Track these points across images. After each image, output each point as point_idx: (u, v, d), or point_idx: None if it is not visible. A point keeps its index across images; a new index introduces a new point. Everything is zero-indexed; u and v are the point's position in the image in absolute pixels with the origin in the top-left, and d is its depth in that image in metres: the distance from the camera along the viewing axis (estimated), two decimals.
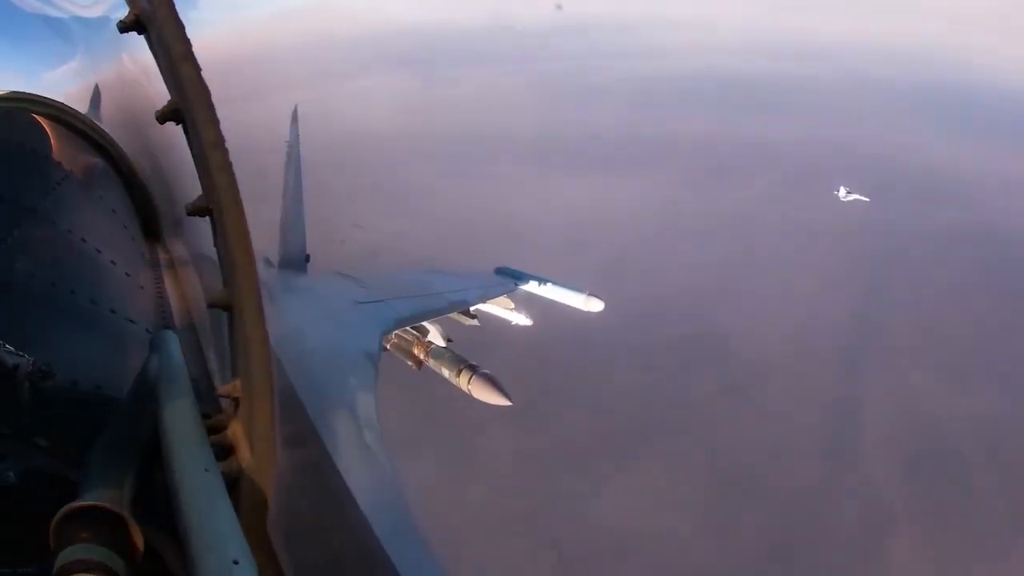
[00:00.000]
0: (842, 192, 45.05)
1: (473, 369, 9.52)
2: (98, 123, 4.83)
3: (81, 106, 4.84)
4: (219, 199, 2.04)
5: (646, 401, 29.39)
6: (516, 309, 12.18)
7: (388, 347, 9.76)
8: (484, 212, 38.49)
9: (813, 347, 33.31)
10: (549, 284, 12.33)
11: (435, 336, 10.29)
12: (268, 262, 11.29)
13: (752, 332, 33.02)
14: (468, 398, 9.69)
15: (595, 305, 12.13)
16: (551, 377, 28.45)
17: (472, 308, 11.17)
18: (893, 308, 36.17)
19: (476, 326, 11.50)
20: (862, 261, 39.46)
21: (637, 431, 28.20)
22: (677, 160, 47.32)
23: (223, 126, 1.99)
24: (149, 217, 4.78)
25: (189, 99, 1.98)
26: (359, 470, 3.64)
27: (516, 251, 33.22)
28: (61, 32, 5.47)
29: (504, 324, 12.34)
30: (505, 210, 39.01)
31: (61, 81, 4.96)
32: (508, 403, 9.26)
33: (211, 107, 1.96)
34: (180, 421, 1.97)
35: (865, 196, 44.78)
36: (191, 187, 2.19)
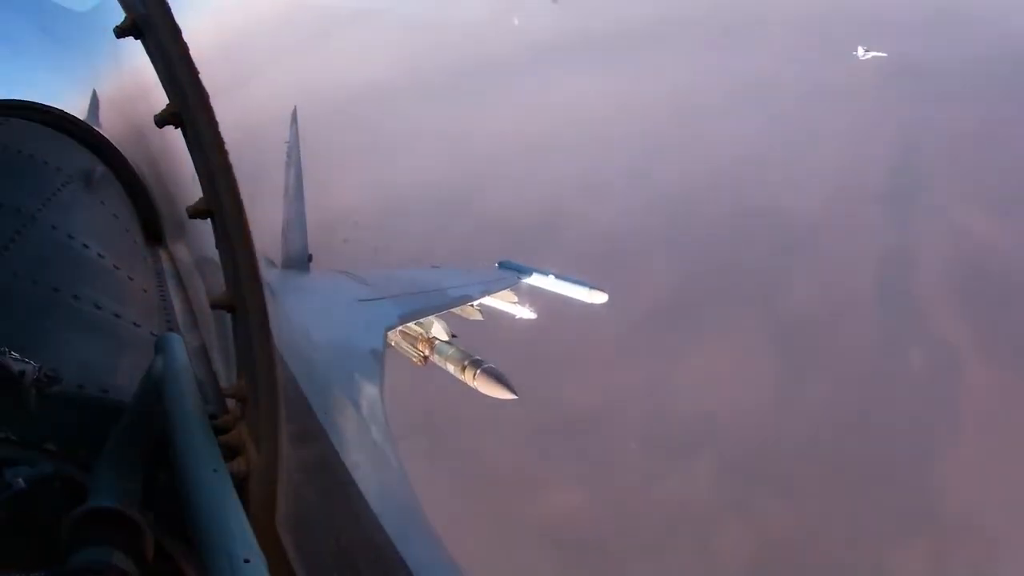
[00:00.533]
0: (860, 52, 43.65)
1: (478, 364, 9.53)
2: (98, 128, 4.83)
3: (80, 112, 4.85)
4: (220, 201, 2.05)
5: (706, 276, 29.39)
6: (519, 302, 12.18)
7: (392, 344, 9.77)
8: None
9: (858, 201, 32.86)
10: (551, 277, 12.32)
11: (439, 332, 10.29)
12: (270, 262, 11.30)
13: (795, 198, 32.38)
14: None
15: (598, 297, 12.14)
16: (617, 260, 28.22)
17: (475, 303, 11.17)
18: (930, 154, 35.47)
19: (480, 320, 11.51)
20: (891, 115, 38.38)
21: (702, 304, 28.36)
22: (684, 34, 45.16)
23: (222, 127, 2.00)
24: (151, 220, 4.79)
25: (188, 102, 1.98)
26: (367, 467, 3.65)
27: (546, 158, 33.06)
28: (58, 39, 5.48)
29: (508, 318, 12.35)
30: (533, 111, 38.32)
31: (60, 88, 4.97)
32: (514, 397, 9.27)
33: (210, 109, 1.97)
34: (187, 423, 1.98)
35: (883, 52, 43.43)
36: (192, 189, 2.20)
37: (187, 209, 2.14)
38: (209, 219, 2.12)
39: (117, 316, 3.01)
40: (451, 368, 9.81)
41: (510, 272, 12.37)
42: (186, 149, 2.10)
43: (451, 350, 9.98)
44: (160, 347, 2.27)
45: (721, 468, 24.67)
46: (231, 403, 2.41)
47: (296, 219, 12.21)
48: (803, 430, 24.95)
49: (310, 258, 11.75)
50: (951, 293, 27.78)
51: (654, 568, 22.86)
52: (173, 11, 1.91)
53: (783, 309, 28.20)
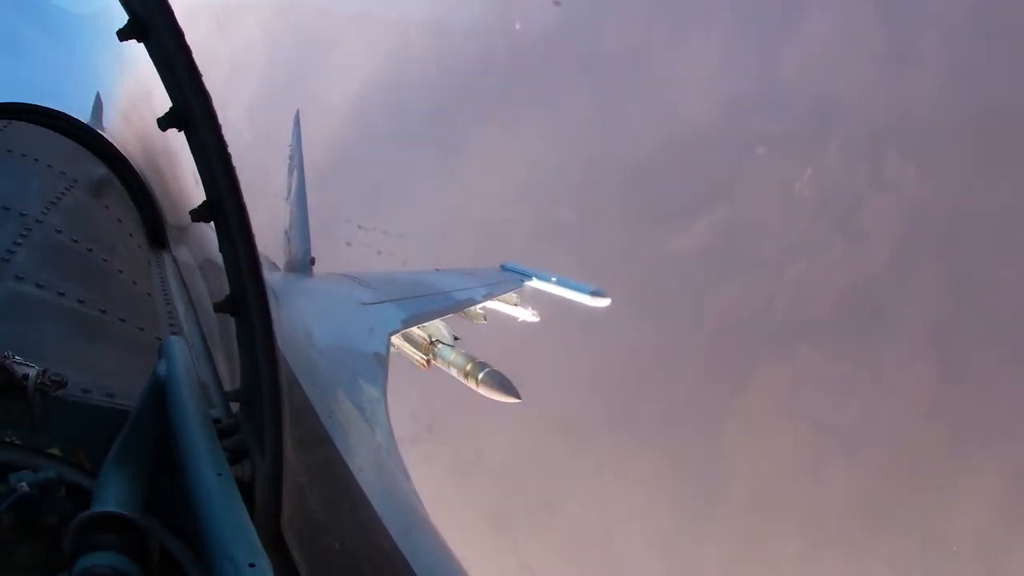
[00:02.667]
0: None
1: (481, 367, 9.51)
2: (101, 132, 4.84)
3: (83, 115, 4.85)
4: (223, 204, 2.05)
5: None
6: (523, 305, 12.18)
7: (396, 347, 9.76)
8: None
9: None
10: (555, 280, 12.32)
11: (442, 335, 10.28)
12: (273, 265, 11.30)
13: None
14: None
15: (601, 301, 12.13)
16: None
17: (479, 306, 11.16)
18: None
19: (483, 324, 11.51)
20: None
21: None
22: None
23: (225, 130, 2.00)
24: (154, 224, 4.79)
25: (190, 105, 1.98)
26: (371, 470, 3.65)
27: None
28: (62, 42, 5.48)
29: (512, 320, 12.35)
30: None
31: (63, 91, 4.97)
32: (517, 400, 9.25)
33: (213, 112, 1.97)
34: (191, 426, 1.97)
35: None
36: (195, 193, 2.20)
37: (190, 212, 2.14)
38: (212, 222, 2.12)
39: (122, 320, 3.01)
40: (454, 372, 9.80)
41: (513, 275, 12.37)
42: (189, 152, 2.10)
43: (454, 353, 9.97)
44: (163, 351, 2.26)
45: (850, 147, 24.61)
46: (235, 407, 2.41)
47: (299, 222, 12.22)
48: (928, 99, 24.49)
49: (313, 261, 11.75)
50: None
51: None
52: (176, 14, 1.91)
53: None
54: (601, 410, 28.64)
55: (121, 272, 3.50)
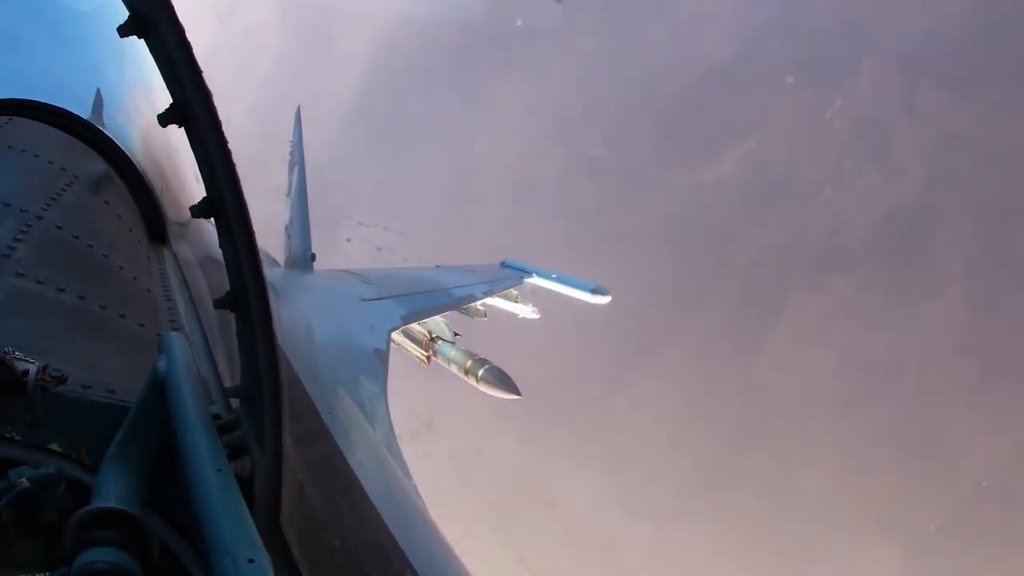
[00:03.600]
0: None
1: (482, 363, 9.53)
2: (102, 128, 4.83)
3: (83, 111, 4.85)
4: (223, 200, 2.05)
5: None
6: (523, 302, 12.18)
7: (396, 343, 9.77)
8: None
9: None
10: (554, 277, 12.32)
11: (443, 331, 10.29)
12: (274, 261, 11.30)
13: None
14: None
15: (601, 299, 12.14)
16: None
17: (479, 302, 11.17)
18: None
19: (483, 320, 11.52)
20: None
21: None
22: None
23: (225, 127, 2.00)
24: (154, 220, 4.79)
25: (191, 101, 1.98)
26: (371, 467, 3.65)
27: None
28: (62, 38, 5.48)
29: (512, 317, 12.36)
30: None
31: (63, 87, 4.97)
32: (517, 396, 9.27)
33: (213, 108, 1.97)
34: (191, 423, 1.97)
35: None
36: (195, 189, 2.20)
37: (190, 208, 2.14)
38: (212, 218, 2.12)
39: (122, 316, 3.02)
40: (454, 368, 9.82)
41: (513, 272, 12.38)
42: (189, 148, 2.10)
43: (454, 350, 9.98)
44: (164, 347, 2.27)
45: (881, 75, 24.53)
46: (235, 403, 2.41)
47: (299, 218, 12.22)
48: (960, 25, 24.47)
49: (313, 257, 11.75)
50: None
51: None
52: (176, 10, 1.91)
53: None
54: (635, 341, 28.89)
55: (121, 268, 3.50)
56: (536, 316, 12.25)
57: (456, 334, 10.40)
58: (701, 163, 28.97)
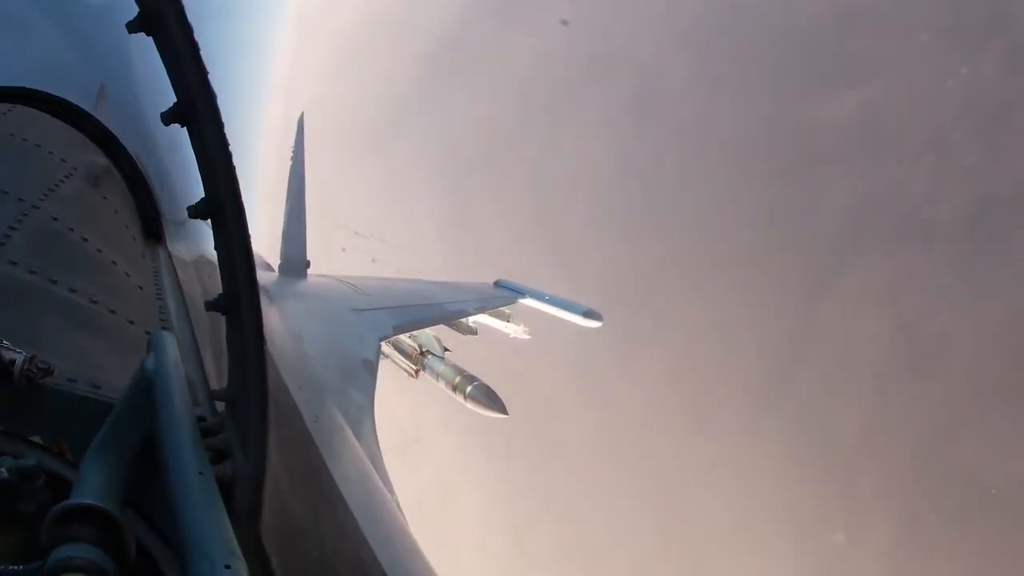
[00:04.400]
0: None
1: (470, 380, 9.53)
2: (103, 121, 4.83)
3: (87, 104, 4.85)
4: (221, 202, 2.05)
5: None
6: (514, 322, 12.20)
7: (386, 355, 9.77)
8: None
9: None
10: (547, 299, 12.35)
11: (433, 346, 10.29)
12: (268, 266, 11.32)
13: None
14: None
15: (593, 323, 12.16)
16: None
17: (471, 320, 11.19)
18: None
19: (474, 337, 11.52)
20: None
21: None
22: None
23: (228, 129, 2.00)
24: (151, 217, 4.78)
25: (195, 101, 1.99)
26: (354, 478, 3.63)
27: None
28: (69, 29, 5.49)
29: (502, 336, 12.36)
30: None
31: (67, 78, 4.97)
32: (504, 415, 9.26)
33: (217, 110, 1.98)
34: (175, 423, 1.96)
35: None
36: (194, 189, 2.20)
37: (188, 209, 2.14)
38: (209, 220, 2.12)
39: (112, 312, 3.00)
40: (442, 383, 9.82)
41: (506, 291, 12.40)
42: (190, 147, 2.10)
43: (443, 365, 9.98)
44: (152, 346, 2.25)
45: (1012, 56, 24.83)
46: (220, 406, 2.40)
47: (296, 225, 12.25)
48: None
49: (308, 264, 11.76)
50: None
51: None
52: (186, 9, 1.92)
53: None
54: (713, 260, 29.05)
55: (115, 264, 3.49)
56: (528, 337, 12.26)
57: (446, 349, 10.40)
58: (814, 99, 29.05)
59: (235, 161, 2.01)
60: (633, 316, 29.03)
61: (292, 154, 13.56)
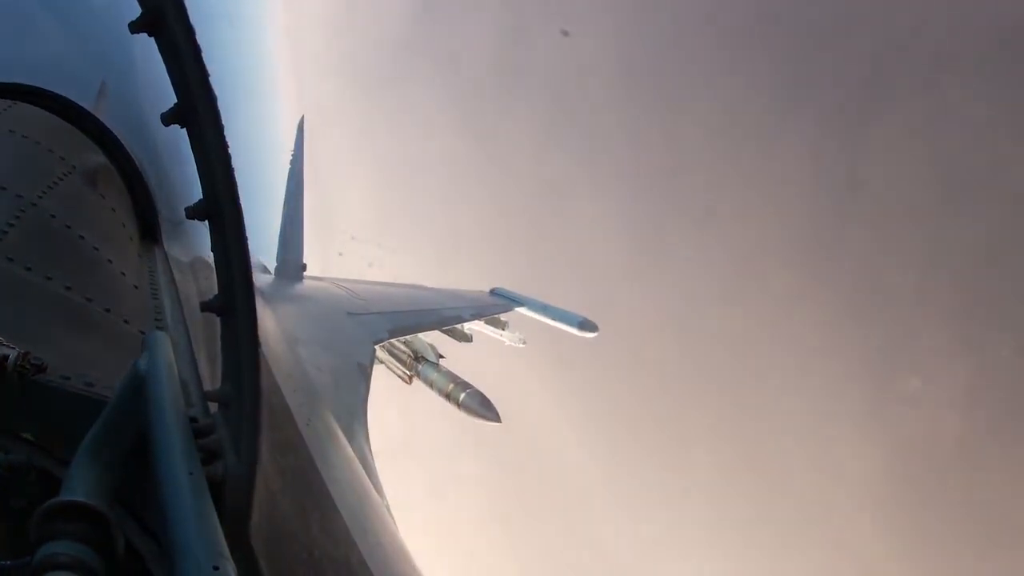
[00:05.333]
0: None
1: (464, 387, 9.52)
2: (103, 120, 4.84)
3: (87, 102, 4.86)
4: (219, 204, 2.06)
5: None
6: (509, 330, 12.20)
7: (380, 359, 9.76)
8: None
9: None
10: (542, 308, 12.35)
11: (427, 352, 10.29)
12: (265, 268, 11.31)
13: None
14: None
15: (588, 334, 12.16)
16: None
17: (466, 327, 11.19)
18: None
19: (469, 344, 11.52)
20: None
21: None
22: None
23: (227, 132, 2.01)
24: (148, 217, 4.78)
25: (196, 103, 1.99)
26: (345, 482, 3.63)
27: None
28: (72, 27, 5.50)
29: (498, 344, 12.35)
30: None
31: (69, 76, 4.98)
32: (497, 423, 9.25)
33: (217, 112, 1.98)
34: (167, 423, 1.96)
35: None
36: (192, 190, 2.20)
37: (185, 209, 2.15)
38: (207, 221, 2.12)
39: (107, 311, 3.00)
40: (436, 389, 9.80)
41: (502, 300, 12.40)
42: (189, 148, 2.10)
43: (437, 371, 9.98)
44: (146, 345, 2.26)
45: None
46: (213, 407, 2.40)
47: (294, 228, 12.26)
48: None
49: (304, 267, 11.76)
50: None
51: None
52: (188, 11, 1.93)
53: None
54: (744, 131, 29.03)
55: (111, 262, 3.49)
56: (523, 344, 12.25)
57: (440, 356, 10.40)
58: None
59: (233, 163, 2.02)
60: (678, 188, 28.97)
61: (291, 157, 13.59)
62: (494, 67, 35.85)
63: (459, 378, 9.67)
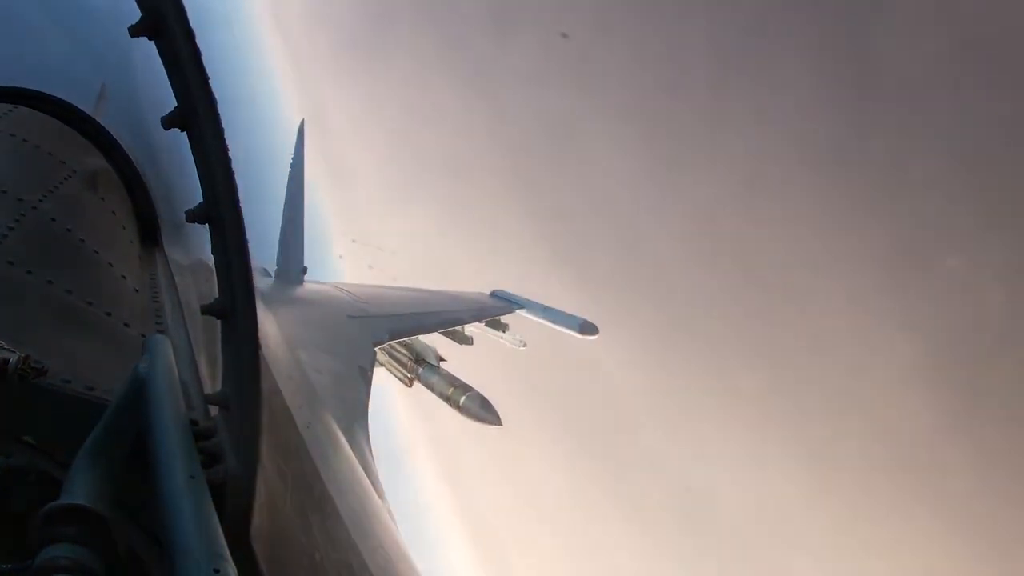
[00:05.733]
0: None
1: (464, 390, 9.51)
2: (103, 123, 4.84)
3: (87, 105, 4.86)
4: (220, 207, 2.06)
5: None
6: (510, 332, 12.18)
7: (381, 362, 9.76)
8: None
9: None
10: (543, 312, 12.34)
11: (428, 355, 10.28)
12: (265, 271, 11.30)
13: None
14: None
15: (589, 337, 12.14)
16: None
17: (466, 329, 11.18)
18: None
19: (470, 346, 11.51)
20: None
21: None
22: None
23: (228, 135, 2.01)
24: (148, 220, 4.78)
25: (196, 107, 2.00)
26: (345, 484, 3.63)
27: None
28: (72, 31, 5.51)
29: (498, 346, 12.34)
30: None
31: (69, 79, 4.98)
32: (498, 425, 9.24)
33: (217, 116, 1.99)
34: (168, 426, 1.96)
35: None
36: (192, 193, 2.21)
37: (186, 213, 2.15)
38: (207, 224, 2.13)
39: (108, 314, 3.00)
40: (437, 392, 9.79)
41: (502, 302, 12.39)
42: (189, 152, 2.11)
43: (438, 374, 9.97)
44: (147, 348, 2.25)
45: None
46: (214, 410, 2.40)
47: (294, 231, 12.25)
48: None
49: (305, 270, 11.76)
50: None
51: None
52: (188, 15, 1.93)
53: None
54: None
55: (111, 266, 3.49)
56: (523, 347, 12.24)
57: (441, 359, 10.39)
58: None
59: (233, 166, 2.02)
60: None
61: (291, 160, 13.59)
62: (494, 67, 35.83)
63: (459, 381, 9.66)
